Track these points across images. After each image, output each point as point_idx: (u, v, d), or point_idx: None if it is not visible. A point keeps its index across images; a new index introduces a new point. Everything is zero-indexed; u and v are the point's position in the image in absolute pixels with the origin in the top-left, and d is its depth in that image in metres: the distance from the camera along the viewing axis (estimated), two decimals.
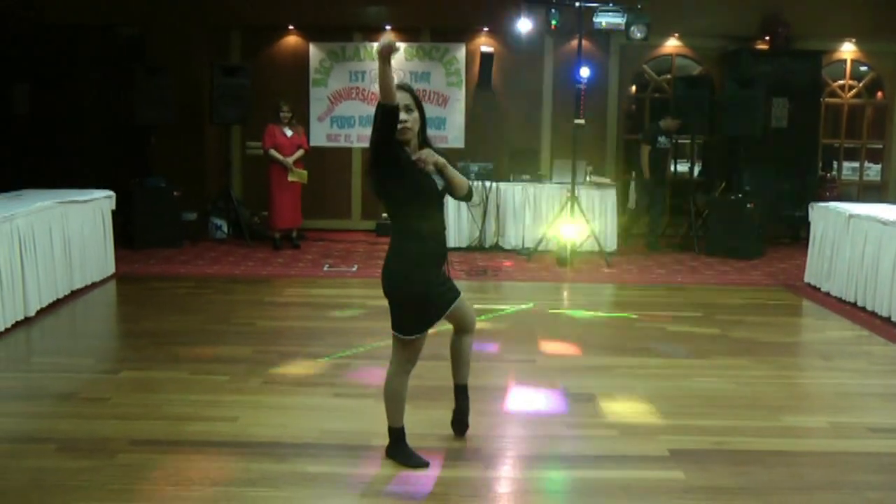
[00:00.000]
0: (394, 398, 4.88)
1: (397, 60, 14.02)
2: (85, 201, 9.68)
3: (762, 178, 13.49)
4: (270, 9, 13.61)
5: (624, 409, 5.94)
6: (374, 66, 14.02)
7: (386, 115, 4.47)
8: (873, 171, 14.96)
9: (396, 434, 4.91)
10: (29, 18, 13.26)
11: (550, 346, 7.56)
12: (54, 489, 4.54)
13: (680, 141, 14.85)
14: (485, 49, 14.07)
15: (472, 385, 5.72)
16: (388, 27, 13.96)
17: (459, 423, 5.37)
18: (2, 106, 13.63)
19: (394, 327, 4.80)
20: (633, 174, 13.80)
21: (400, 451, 4.91)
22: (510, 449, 5.22)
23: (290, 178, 12.10)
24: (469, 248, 12.39)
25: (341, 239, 13.30)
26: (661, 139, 13.19)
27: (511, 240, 12.59)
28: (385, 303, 4.76)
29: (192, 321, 8.27)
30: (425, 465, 4.90)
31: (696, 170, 14.25)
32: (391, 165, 4.59)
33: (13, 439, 5.24)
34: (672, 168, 14.76)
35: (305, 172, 12.28)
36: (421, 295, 4.74)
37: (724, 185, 13.19)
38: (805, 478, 4.81)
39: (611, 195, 12.51)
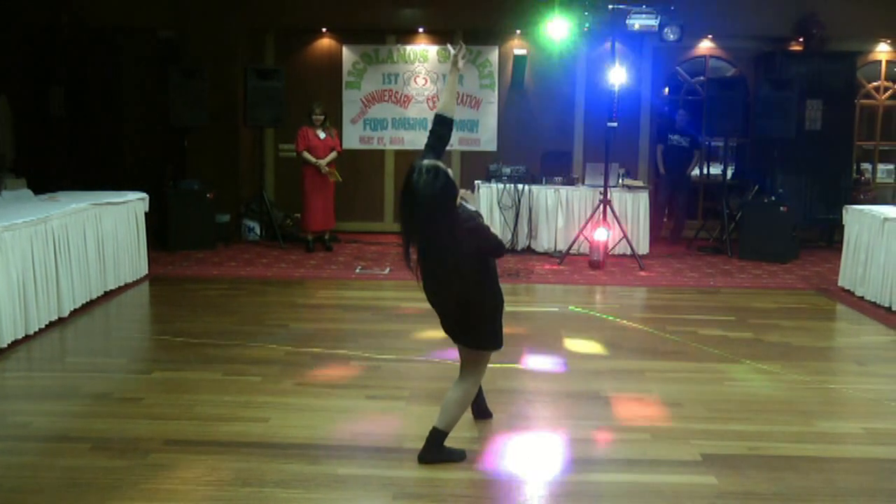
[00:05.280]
0: (465, 409, 5.08)
1: (430, 63, 14.07)
2: (119, 203, 9.75)
3: (796, 181, 13.41)
4: (304, 12, 13.65)
5: (656, 413, 5.92)
6: (406, 69, 14.10)
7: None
8: None
9: (443, 439, 4.94)
10: (66, 21, 13.37)
11: (583, 350, 7.54)
12: (88, 488, 4.58)
13: (713, 143, 14.78)
14: (518, 51, 14.05)
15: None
16: (420, 29, 14.00)
17: (482, 412, 5.62)
18: (39, 108, 13.74)
19: (484, 346, 4.94)
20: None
21: (439, 451, 4.93)
22: (541, 452, 5.21)
23: (323, 171, 12.14)
24: None
25: (374, 241, 13.30)
26: (674, 137, 13.24)
27: (543, 242, 12.56)
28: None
29: (225, 322, 8.31)
30: (463, 455, 4.99)
31: (730, 172, 14.15)
32: None
33: (48, 438, 5.29)
34: (705, 170, 14.71)
35: (337, 174, 12.33)
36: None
37: (757, 187, 13.09)
38: (839, 484, 4.76)
39: (643, 198, 12.45)
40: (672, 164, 13.37)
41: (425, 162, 4.50)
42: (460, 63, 5.05)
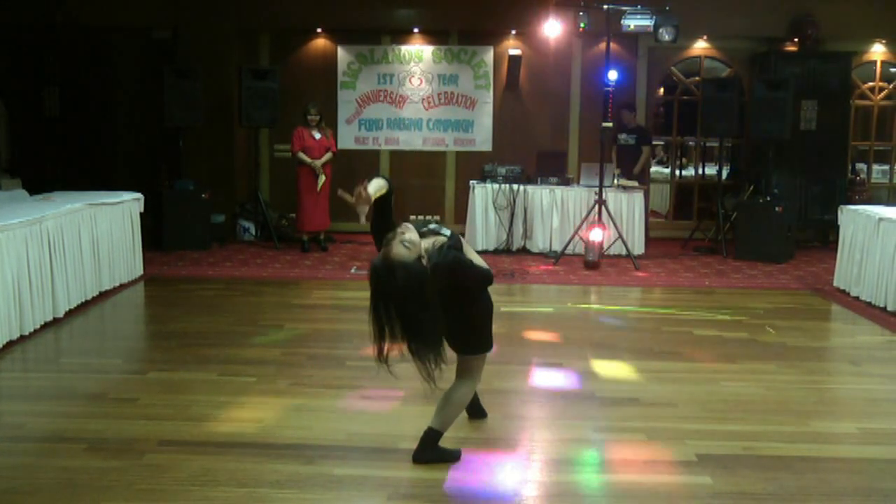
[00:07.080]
0: (461, 409, 5.13)
1: (425, 63, 14.07)
2: (114, 203, 9.73)
3: (791, 181, 13.41)
4: (299, 12, 13.64)
5: (651, 413, 5.92)
6: (401, 69, 14.10)
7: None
8: None
9: (438, 439, 4.95)
10: (60, 21, 13.35)
11: (577, 350, 7.52)
12: (83, 488, 4.57)
13: (708, 144, 14.79)
14: (513, 52, 14.03)
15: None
16: (415, 30, 14.00)
17: (477, 412, 5.61)
18: (33, 108, 13.73)
19: (476, 350, 5.00)
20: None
21: (434, 451, 4.93)
22: (536, 453, 5.21)
23: (318, 173, 12.16)
24: (496, 251, 12.35)
25: (369, 241, 13.09)
26: (622, 136, 13.21)
27: (538, 243, 12.55)
28: None
29: (221, 323, 8.30)
30: (458, 455, 4.99)
31: (725, 172, 14.17)
32: None
33: (43, 438, 5.29)
34: (700, 170, 14.73)
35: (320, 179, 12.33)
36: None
37: (752, 187, 13.10)
38: (834, 484, 4.77)
39: (638, 198, 12.44)
40: (624, 163, 13.24)
41: (381, 260, 4.71)
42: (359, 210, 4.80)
